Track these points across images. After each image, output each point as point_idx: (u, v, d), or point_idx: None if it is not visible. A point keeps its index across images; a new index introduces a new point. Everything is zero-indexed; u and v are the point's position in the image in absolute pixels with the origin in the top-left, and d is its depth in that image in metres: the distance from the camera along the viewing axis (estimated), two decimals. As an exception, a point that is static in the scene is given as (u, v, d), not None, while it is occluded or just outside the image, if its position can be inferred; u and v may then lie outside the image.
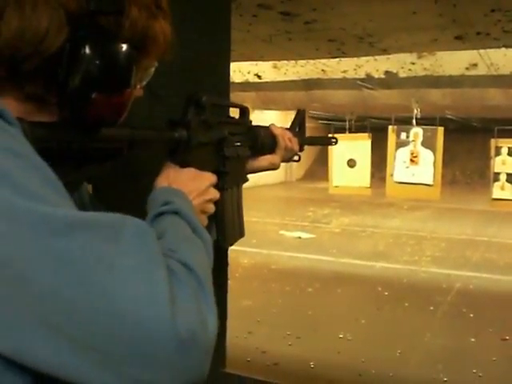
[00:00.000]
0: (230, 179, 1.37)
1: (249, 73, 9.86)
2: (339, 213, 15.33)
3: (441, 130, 10.11)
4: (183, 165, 1.15)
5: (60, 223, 0.67)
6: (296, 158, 1.71)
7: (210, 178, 1.17)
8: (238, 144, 1.41)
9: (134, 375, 0.69)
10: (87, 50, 0.82)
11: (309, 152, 22.71)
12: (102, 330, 0.66)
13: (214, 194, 1.17)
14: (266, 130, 1.58)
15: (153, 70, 1.00)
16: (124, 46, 0.86)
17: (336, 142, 1.99)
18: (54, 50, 0.81)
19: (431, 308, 6.98)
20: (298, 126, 1.77)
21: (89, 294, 0.66)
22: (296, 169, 23.37)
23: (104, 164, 0.97)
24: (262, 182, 18.24)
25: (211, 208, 1.17)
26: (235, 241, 1.47)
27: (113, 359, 0.68)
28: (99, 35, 0.84)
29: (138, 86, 0.99)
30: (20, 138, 0.74)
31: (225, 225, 1.40)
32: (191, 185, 1.10)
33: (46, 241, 0.65)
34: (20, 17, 0.79)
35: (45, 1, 0.80)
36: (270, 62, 9.32)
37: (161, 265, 0.72)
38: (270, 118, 15.92)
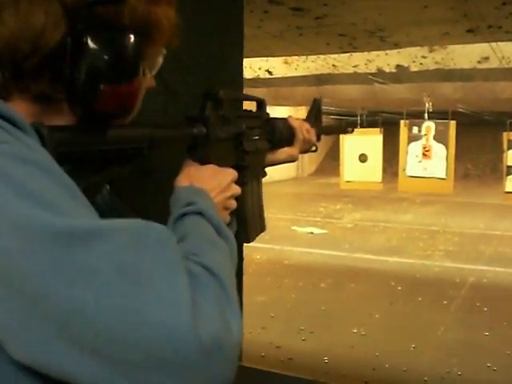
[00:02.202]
0: (249, 173, 1.37)
1: (259, 69, 9.86)
2: (351, 208, 15.30)
3: (453, 123, 10.07)
4: (203, 161, 1.14)
5: (78, 234, 0.66)
6: (313, 148, 1.71)
7: (231, 173, 1.15)
8: (257, 138, 1.40)
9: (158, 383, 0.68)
10: (89, 43, 0.81)
11: (320, 147, 22.53)
12: (124, 340, 0.65)
13: (236, 189, 1.15)
14: (284, 122, 1.56)
15: (161, 58, 0.99)
16: (126, 35, 0.85)
17: (352, 130, 1.99)
18: (54, 45, 0.80)
19: (445, 302, 6.96)
20: (314, 116, 1.76)
21: (109, 305, 0.65)
22: (307, 164, 23.34)
23: (125, 165, 0.96)
24: (274, 178, 18.23)
25: (233, 204, 1.15)
26: (257, 235, 1.46)
27: (137, 369, 0.66)
28: (99, 26, 0.83)
29: (149, 76, 0.97)
30: (36, 147, 0.74)
31: (246, 220, 1.39)
32: (212, 182, 1.08)
33: (65, 253, 0.64)
34: (16, 15, 0.79)
35: None
36: (281, 58, 9.31)
37: (182, 271, 0.70)
38: (281, 113, 15.91)
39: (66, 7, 0.81)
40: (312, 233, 11.89)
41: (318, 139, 1.72)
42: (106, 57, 0.82)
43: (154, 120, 1.03)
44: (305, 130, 1.61)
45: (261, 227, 1.49)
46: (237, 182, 1.17)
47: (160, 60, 0.99)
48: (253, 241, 1.45)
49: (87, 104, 0.84)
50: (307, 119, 1.71)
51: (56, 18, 0.80)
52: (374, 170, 10.92)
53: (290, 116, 1.61)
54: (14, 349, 0.67)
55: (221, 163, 1.16)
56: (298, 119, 1.62)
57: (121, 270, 0.66)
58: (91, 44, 0.82)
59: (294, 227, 12.43)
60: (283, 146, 1.55)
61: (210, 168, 1.13)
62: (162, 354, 0.66)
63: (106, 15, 0.84)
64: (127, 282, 0.66)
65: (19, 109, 0.80)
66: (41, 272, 0.64)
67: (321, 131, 1.75)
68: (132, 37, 0.85)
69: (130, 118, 0.94)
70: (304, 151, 1.66)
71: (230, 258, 0.88)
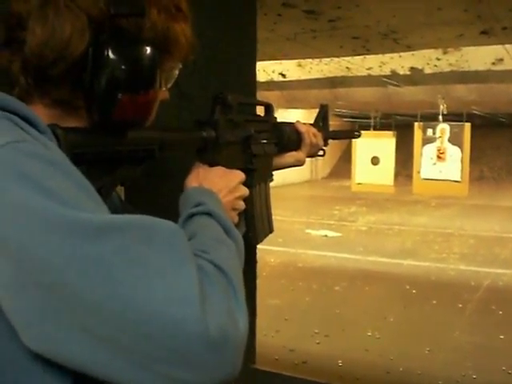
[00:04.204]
0: (257, 176, 1.39)
1: (273, 72, 9.87)
2: (365, 211, 15.25)
3: (468, 126, 10.05)
4: (212, 164, 1.17)
5: (93, 228, 0.68)
6: (321, 152, 1.72)
7: (239, 175, 1.18)
8: (265, 141, 1.43)
9: (168, 374, 0.70)
10: (110, 53, 0.84)
11: (334, 150, 22.62)
12: (135, 330, 0.68)
13: (244, 190, 1.18)
14: (291, 126, 1.58)
15: (177, 72, 1.02)
16: (146, 47, 0.87)
17: (359, 135, 1.99)
18: (78, 54, 0.83)
19: (460, 305, 6.93)
20: (321, 120, 1.78)
21: (122, 296, 0.67)
22: (321, 167, 23.31)
23: (136, 167, 0.99)
24: (288, 181, 18.23)
25: (241, 205, 1.18)
26: (265, 237, 1.48)
27: (147, 358, 0.69)
28: (121, 37, 0.86)
29: (164, 89, 1.00)
30: (51, 146, 0.76)
31: (254, 221, 1.41)
32: (221, 182, 1.11)
33: (80, 246, 0.67)
34: (43, 25, 0.82)
35: (67, 7, 0.82)
36: (295, 61, 9.31)
37: (192, 265, 0.73)
38: (295, 116, 15.89)
39: (91, 18, 0.84)
40: (326, 236, 11.87)
41: (326, 144, 1.73)
42: (125, 67, 0.85)
43: (166, 124, 1.04)
44: (312, 135, 1.62)
45: (269, 229, 1.51)
46: (245, 185, 1.20)
47: (176, 74, 1.02)
48: (261, 242, 1.48)
49: (105, 112, 0.87)
50: (315, 124, 1.72)
51: (81, 29, 0.83)
52: (385, 173, 10.91)
53: (297, 121, 1.63)
54: (28, 338, 0.70)
55: (229, 166, 1.19)
56: (305, 124, 1.63)
57: (133, 264, 0.69)
58: (112, 54, 0.84)
59: (307, 230, 12.42)
60: (290, 150, 1.57)
61: (219, 169, 1.16)
62: (171, 345, 0.68)
63: (127, 27, 0.87)
64: (138, 275, 0.68)
65: (38, 111, 0.83)
66: (57, 262, 0.66)
67: (328, 136, 1.76)
68: (151, 49, 0.88)
69: (144, 126, 0.96)
70: (311, 155, 1.67)
71: (237, 257, 0.90)
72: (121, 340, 0.68)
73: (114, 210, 1.03)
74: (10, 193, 0.68)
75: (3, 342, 0.73)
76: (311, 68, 9.69)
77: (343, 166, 21.45)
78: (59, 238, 0.67)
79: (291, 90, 11.06)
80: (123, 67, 0.85)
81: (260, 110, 1.53)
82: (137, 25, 0.87)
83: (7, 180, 0.68)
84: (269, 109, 1.51)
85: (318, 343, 5.69)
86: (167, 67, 0.97)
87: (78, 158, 0.82)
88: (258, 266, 2.17)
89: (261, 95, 2.16)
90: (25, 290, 0.68)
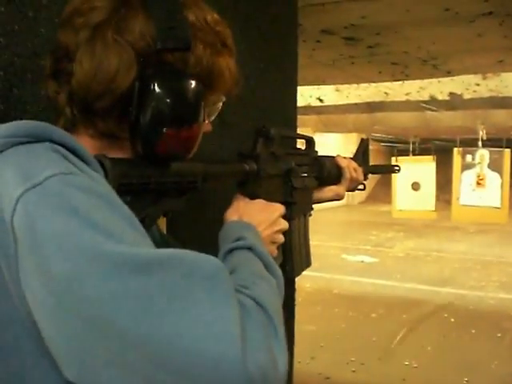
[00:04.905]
0: (297, 209, 1.40)
1: (311, 97, 9.89)
2: (403, 236, 15.10)
3: (508, 151, 9.93)
4: (252, 196, 1.18)
5: (137, 262, 0.68)
6: (361, 186, 1.73)
7: (279, 208, 1.18)
8: (305, 175, 1.44)
9: None
10: (156, 87, 0.85)
11: (371, 175, 22.44)
12: (174, 366, 0.67)
13: (284, 224, 1.18)
14: (332, 160, 1.60)
15: (220, 105, 1.02)
16: (191, 82, 0.88)
17: (399, 170, 2.00)
18: (124, 88, 0.84)
19: (499, 335, 6.78)
20: (361, 154, 1.79)
21: (163, 333, 0.66)
22: (358, 192, 23.10)
23: (180, 198, 1.00)
24: (324, 206, 18.13)
25: (281, 238, 1.18)
26: (302, 270, 1.48)
27: None
28: (167, 72, 0.87)
29: (207, 121, 1.01)
30: (97, 178, 0.77)
31: (292, 255, 1.41)
32: (261, 216, 1.12)
33: (125, 280, 0.67)
34: (91, 58, 0.83)
35: (115, 41, 0.84)
36: (333, 86, 9.33)
37: (233, 302, 0.72)
38: (331, 140, 15.87)
39: (138, 53, 0.85)
40: (362, 261, 11.76)
41: (366, 178, 1.74)
42: (170, 101, 0.86)
43: (208, 152, 1.05)
44: (352, 169, 1.64)
45: (306, 263, 1.51)
46: (284, 218, 1.20)
47: (219, 107, 1.03)
48: (298, 276, 1.48)
49: (149, 145, 0.88)
50: (355, 158, 1.73)
51: (128, 63, 0.84)
52: (427, 199, 10.81)
53: (338, 155, 1.64)
54: (65, 369, 0.70)
55: (270, 198, 1.20)
56: (345, 158, 1.64)
57: (175, 300, 0.68)
58: (158, 89, 0.85)
59: (344, 255, 12.32)
60: (330, 184, 1.59)
61: (259, 202, 1.17)
62: (209, 382, 0.67)
63: (173, 62, 0.88)
64: (181, 312, 0.67)
65: (84, 142, 0.85)
66: (100, 297, 0.66)
67: (368, 170, 1.77)
68: (196, 84, 0.88)
69: (187, 158, 0.97)
70: (351, 189, 1.68)
71: (278, 293, 0.90)
72: (159, 376, 0.67)
73: (154, 241, 1.04)
74: (56, 225, 0.68)
75: (41, 370, 0.73)
76: (349, 93, 9.69)
77: (380, 191, 21.31)
78: (103, 272, 0.67)
79: (328, 115, 11.05)
80: (168, 101, 0.86)
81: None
82: (182, 59, 0.89)
83: (54, 212, 0.69)
84: (310, 142, 1.52)
85: (353, 371, 5.61)
86: (211, 101, 0.98)
87: (123, 189, 0.83)
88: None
89: (298, 119, 2.16)
90: (65, 323, 0.68)
